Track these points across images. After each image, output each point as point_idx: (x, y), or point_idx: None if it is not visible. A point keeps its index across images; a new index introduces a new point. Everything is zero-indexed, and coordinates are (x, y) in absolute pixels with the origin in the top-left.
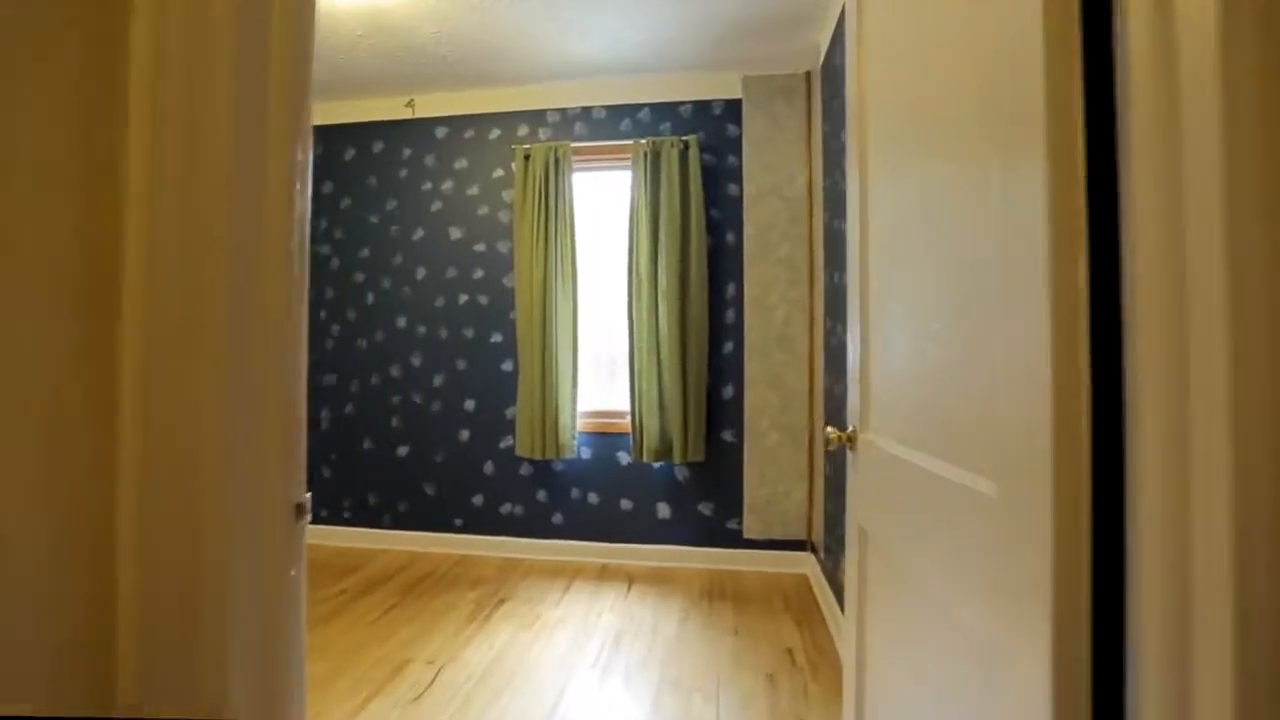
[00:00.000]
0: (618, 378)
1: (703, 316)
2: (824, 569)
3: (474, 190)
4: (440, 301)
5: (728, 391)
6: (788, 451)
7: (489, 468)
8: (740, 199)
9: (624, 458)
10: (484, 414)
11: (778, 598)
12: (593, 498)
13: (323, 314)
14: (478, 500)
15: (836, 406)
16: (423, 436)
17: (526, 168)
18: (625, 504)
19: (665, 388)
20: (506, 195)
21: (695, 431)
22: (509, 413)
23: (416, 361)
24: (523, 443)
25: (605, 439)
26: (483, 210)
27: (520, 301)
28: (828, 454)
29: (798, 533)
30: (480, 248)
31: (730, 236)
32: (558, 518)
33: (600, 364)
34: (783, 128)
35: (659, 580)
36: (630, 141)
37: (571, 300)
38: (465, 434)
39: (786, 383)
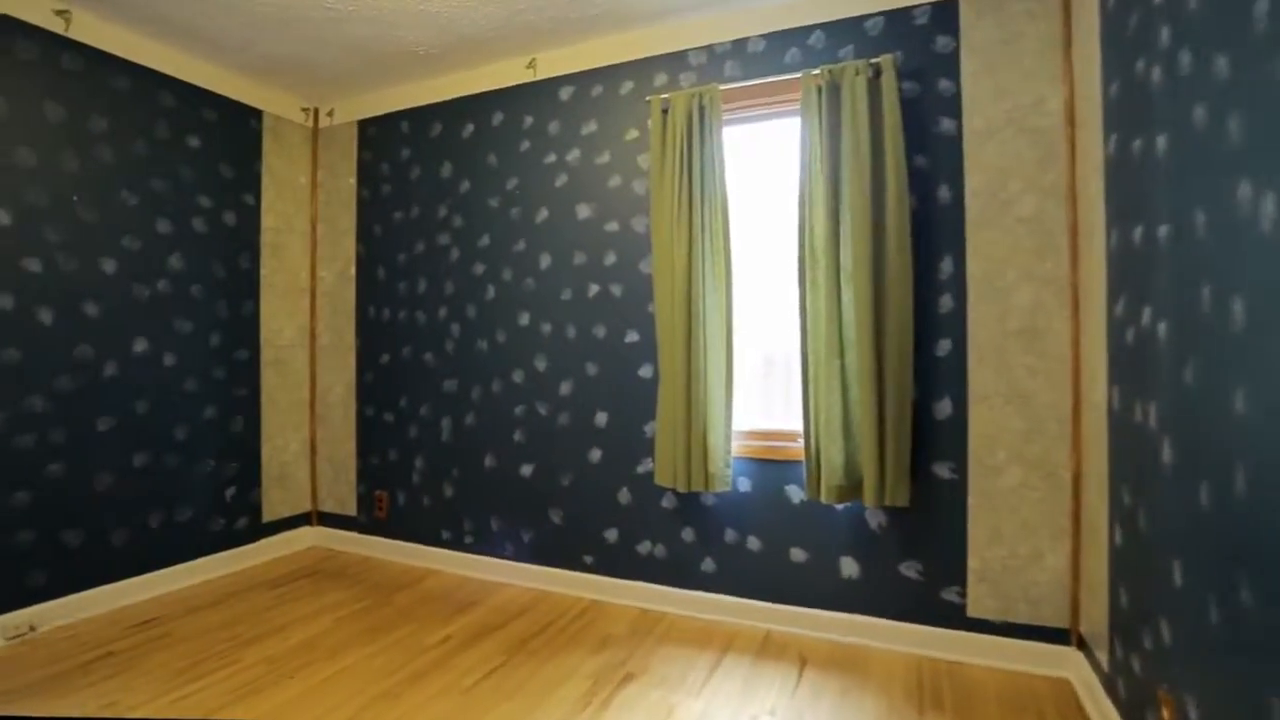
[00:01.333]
0: (786, 388)
1: (905, 305)
2: (1103, 678)
3: (604, 158)
4: (567, 294)
5: (942, 409)
6: (1038, 496)
7: (624, 496)
8: (958, 138)
9: (795, 494)
10: (618, 430)
11: (1029, 713)
12: (753, 543)
13: (442, 312)
14: (611, 535)
15: (1137, 433)
16: (548, 454)
17: (665, 124)
18: (797, 555)
19: (852, 403)
20: (642, 161)
21: (895, 463)
22: (647, 429)
23: (541, 366)
24: (663, 468)
25: (770, 468)
26: (614, 181)
27: (660, 292)
28: (1125, 504)
29: (1055, 616)
30: (612, 227)
31: (944, 192)
32: (708, 565)
33: (764, 370)
34: (1022, 31)
35: (844, 664)
36: (798, 75)
37: (724, 288)
38: (596, 454)
39: (1035, 397)
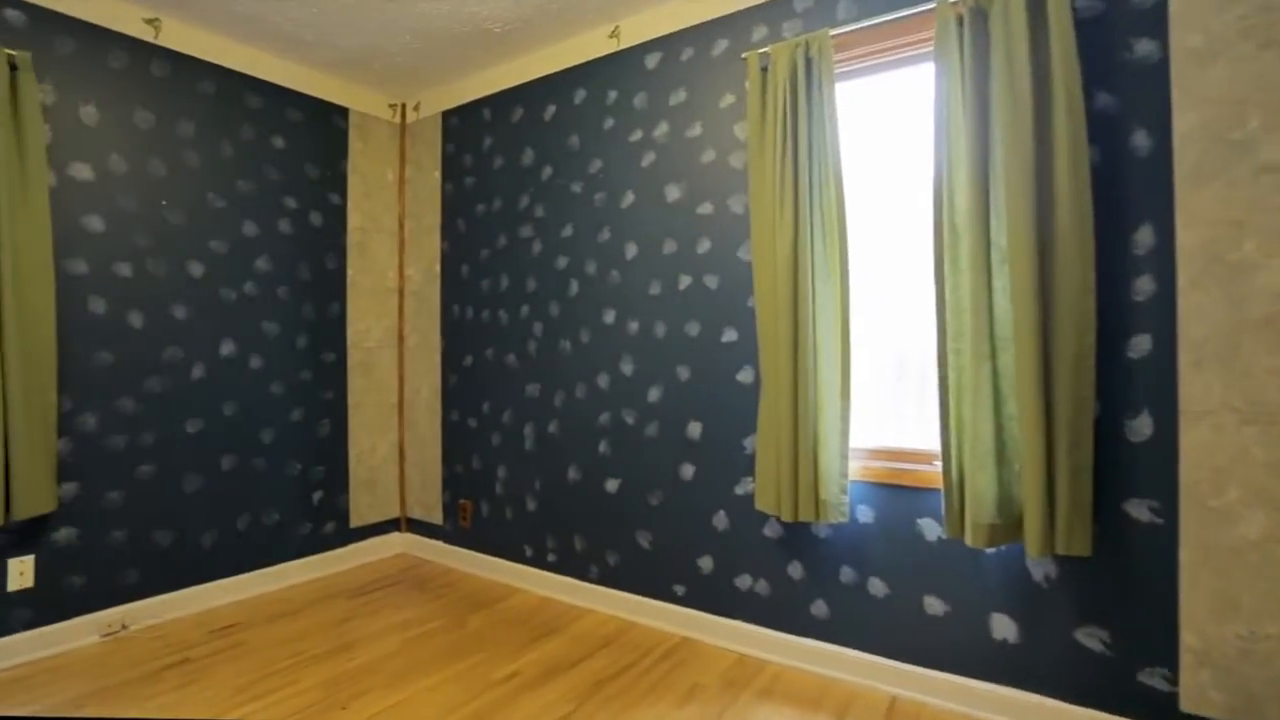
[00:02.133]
0: (920, 398)
1: (1083, 292)
2: None
3: (695, 130)
4: (656, 288)
5: (1139, 428)
6: None
7: (720, 521)
8: (1163, 64)
9: (931, 529)
10: (713, 444)
11: None
12: (877, 587)
13: (524, 310)
14: (705, 564)
15: None
16: (636, 469)
17: (765, 84)
18: (933, 606)
19: (1008, 418)
20: (739, 130)
21: (1070, 499)
22: (747, 444)
23: (628, 369)
24: (765, 492)
25: (898, 496)
26: (707, 156)
27: (760, 283)
28: None
29: None
30: (706, 209)
31: (1141, 140)
32: (820, 608)
33: (891, 376)
34: None
35: None
36: (930, 6)
37: (838, 277)
38: (688, 470)
39: None
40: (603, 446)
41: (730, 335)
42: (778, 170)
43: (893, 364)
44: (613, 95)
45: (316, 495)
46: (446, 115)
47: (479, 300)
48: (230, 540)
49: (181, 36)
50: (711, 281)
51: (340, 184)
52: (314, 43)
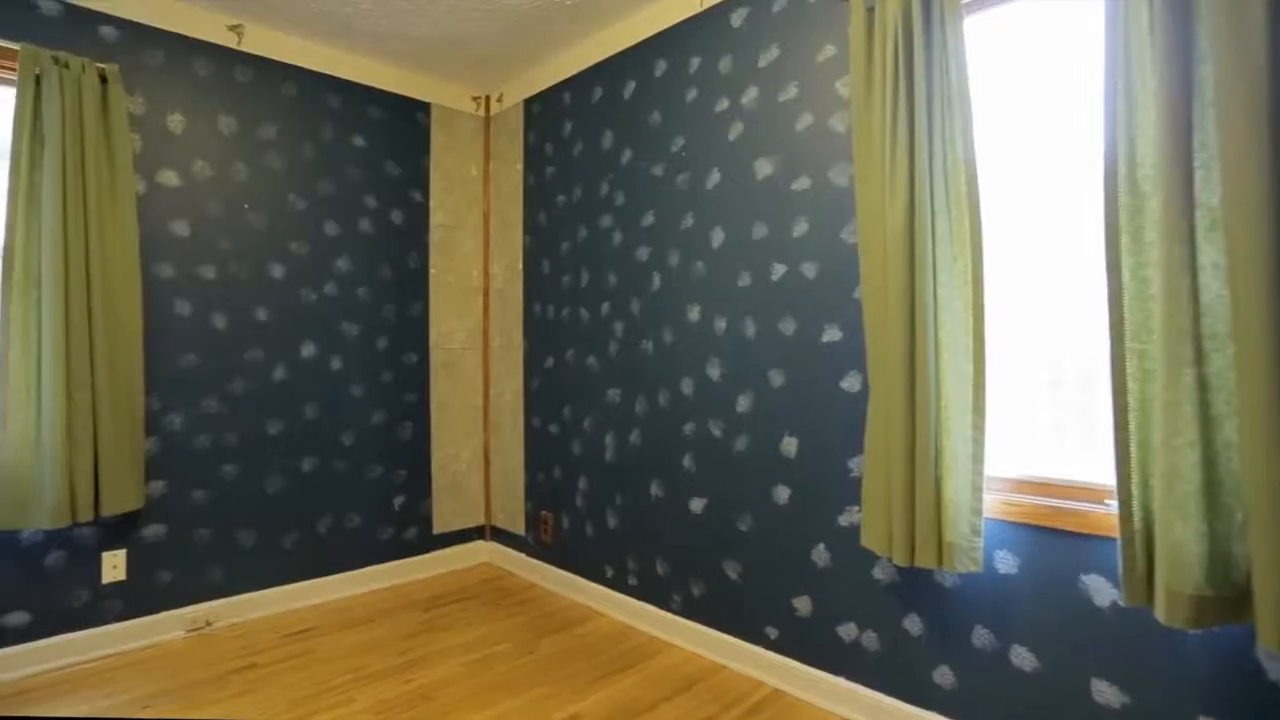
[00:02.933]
0: (1087, 416)
1: None
2: None
3: (789, 92)
4: (744, 278)
5: None
6: None
7: (820, 555)
8: None
9: (1101, 591)
10: (812, 463)
11: None
12: (1022, 658)
13: (605, 308)
14: (801, 605)
15: None
16: (723, 488)
17: (872, 26)
18: (1104, 693)
19: (1221, 447)
20: (841, 87)
21: None
22: (853, 465)
23: (714, 373)
24: (874, 526)
25: (1053, 542)
26: (804, 122)
27: (869, 269)
28: None
29: None
30: (802, 184)
31: None
32: (944, 675)
33: (1045, 386)
34: None
35: None
36: None
37: (968, 259)
38: (783, 494)
39: None
40: (687, 461)
41: (832, 334)
42: (888, 128)
43: (1046, 370)
44: (695, 63)
45: (398, 500)
46: (528, 103)
47: (559, 298)
48: (311, 542)
49: (263, 41)
50: (809, 270)
51: (422, 181)
52: (388, 35)
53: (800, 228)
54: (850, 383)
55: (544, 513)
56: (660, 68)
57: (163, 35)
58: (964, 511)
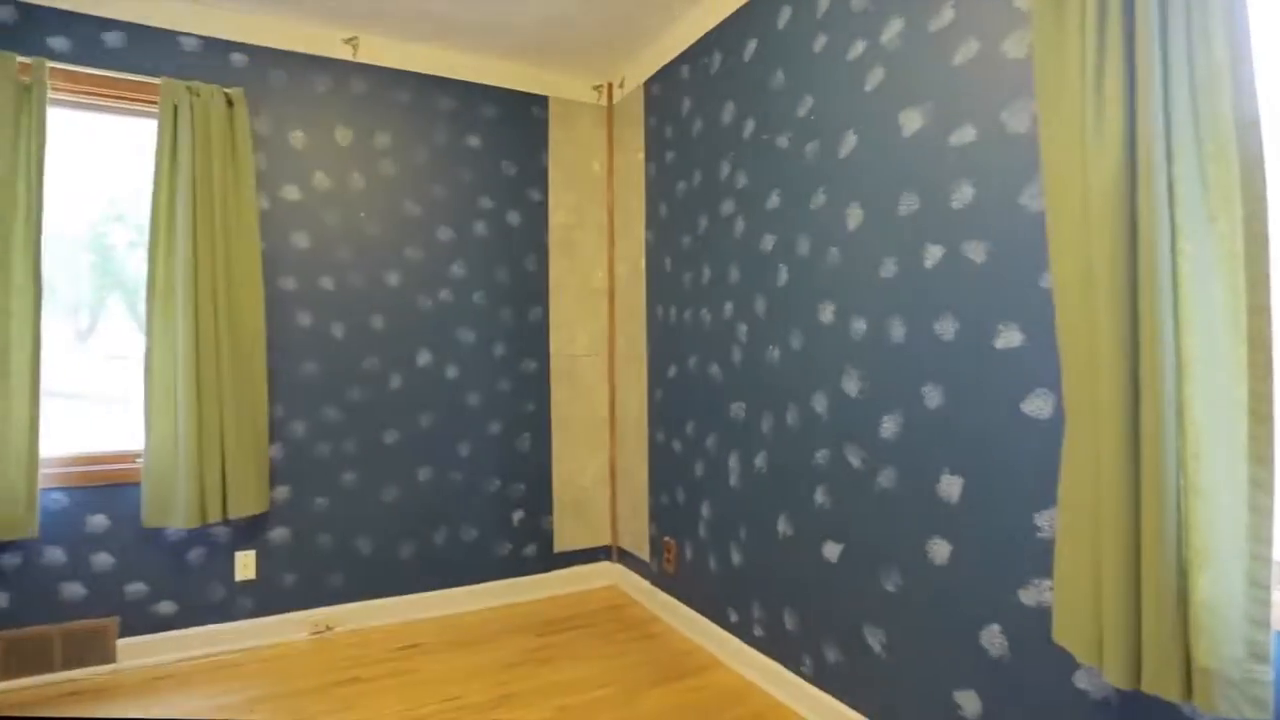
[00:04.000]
0: None
1: None
2: None
3: (943, 17)
4: (889, 267)
5: None
6: None
7: (993, 640)
8: None
9: None
10: (982, 512)
11: None
12: None
13: (728, 308)
14: (966, 702)
15: None
16: (864, 533)
17: None
18: None
19: None
20: (1019, 2)
21: None
22: (1042, 522)
23: (851, 387)
24: (1072, 619)
25: None
26: (965, 52)
27: (1063, 247)
28: None
29: None
30: (964, 135)
31: None
32: None
33: None
34: None
35: None
36: None
37: (1234, 225)
38: (941, 549)
39: None
40: (819, 495)
41: (1009, 337)
42: (1091, 35)
43: None
44: (824, 5)
45: (517, 515)
46: (648, 85)
47: (681, 298)
48: (428, 554)
49: (378, 50)
50: (976, 251)
51: (540, 179)
52: (493, 27)
53: (962, 195)
54: (1037, 406)
55: (667, 539)
56: (784, 16)
57: (285, 56)
58: (1233, 619)
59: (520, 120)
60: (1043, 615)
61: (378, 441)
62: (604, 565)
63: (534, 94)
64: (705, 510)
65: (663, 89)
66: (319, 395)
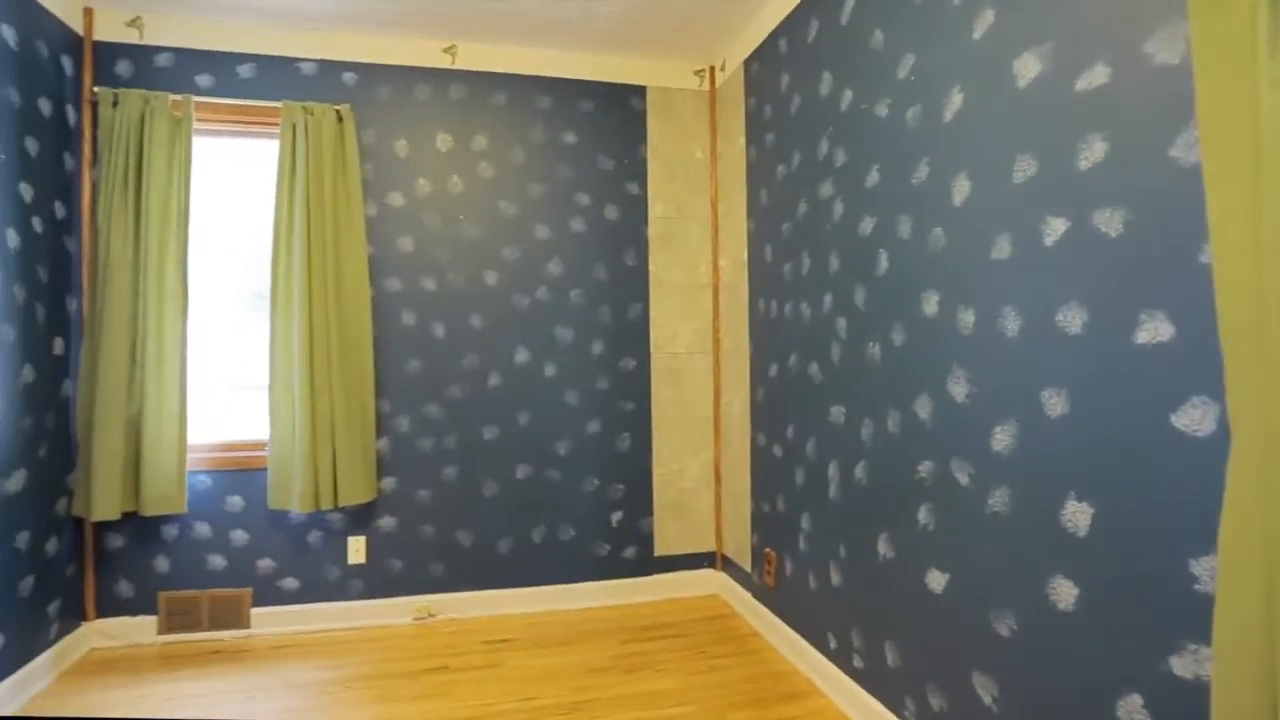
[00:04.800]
0: None
1: None
2: None
3: None
4: (1002, 247)
5: None
6: None
7: (1133, 714)
8: None
9: None
10: (1119, 549)
11: None
12: None
13: (827, 301)
14: None
15: None
16: (974, 563)
17: None
18: None
19: None
20: None
21: None
22: (1199, 569)
23: (959, 390)
24: (1232, 696)
25: None
26: None
27: (1230, 211)
28: None
29: None
30: (1093, 78)
31: None
32: None
33: None
34: None
35: None
36: None
37: None
38: (1066, 591)
39: None
40: (923, 514)
41: (1155, 329)
42: None
43: None
44: None
45: (615, 515)
46: (747, 64)
47: (781, 290)
48: (526, 551)
49: (475, 56)
50: (1109, 221)
51: (639, 171)
52: (588, 18)
53: (1092, 152)
54: (1193, 418)
55: (768, 550)
56: None
57: (390, 70)
58: None
59: (618, 113)
60: (1198, 691)
61: (477, 438)
62: (707, 573)
63: (631, 85)
64: (805, 522)
65: (761, 67)
66: (422, 392)
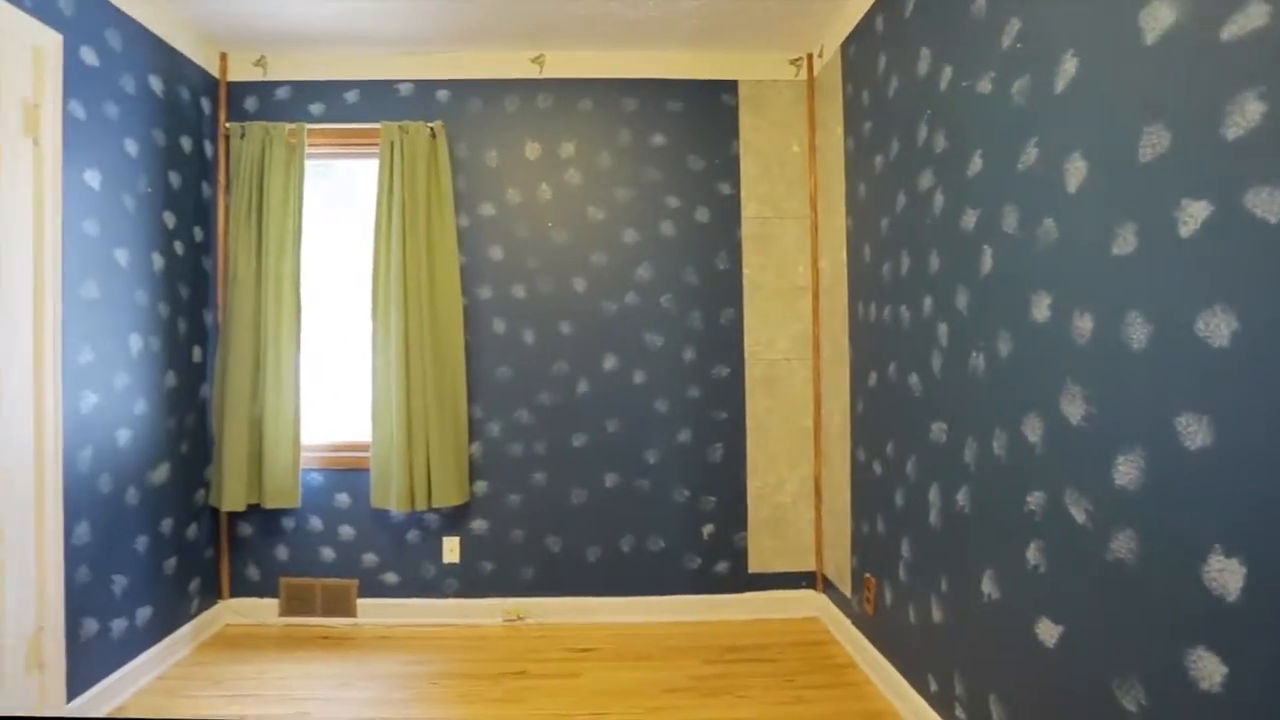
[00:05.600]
0: None
1: None
2: None
3: None
4: (1125, 239)
5: None
6: None
7: None
8: None
9: None
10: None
11: None
12: None
13: (927, 304)
14: None
15: None
16: (1092, 617)
17: None
18: None
19: None
20: None
21: None
22: None
23: (1074, 410)
24: None
25: None
26: None
27: None
28: None
29: None
30: (1249, 20)
31: None
32: None
33: None
34: None
35: None
36: None
37: None
38: (1213, 669)
39: None
40: (1031, 553)
41: None
42: None
43: None
44: None
45: (707, 528)
46: (845, 47)
47: (880, 293)
48: (615, 559)
49: (561, 63)
50: (1268, 204)
51: (731, 170)
52: (674, 15)
53: (1244, 116)
54: None
55: (867, 575)
56: None
57: (480, 85)
58: None
59: (708, 110)
60: None
61: (566, 444)
62: (807, 594)
63: (722, 80)
64: (905, 549)
65: (859, 49)
66: (512, 398)
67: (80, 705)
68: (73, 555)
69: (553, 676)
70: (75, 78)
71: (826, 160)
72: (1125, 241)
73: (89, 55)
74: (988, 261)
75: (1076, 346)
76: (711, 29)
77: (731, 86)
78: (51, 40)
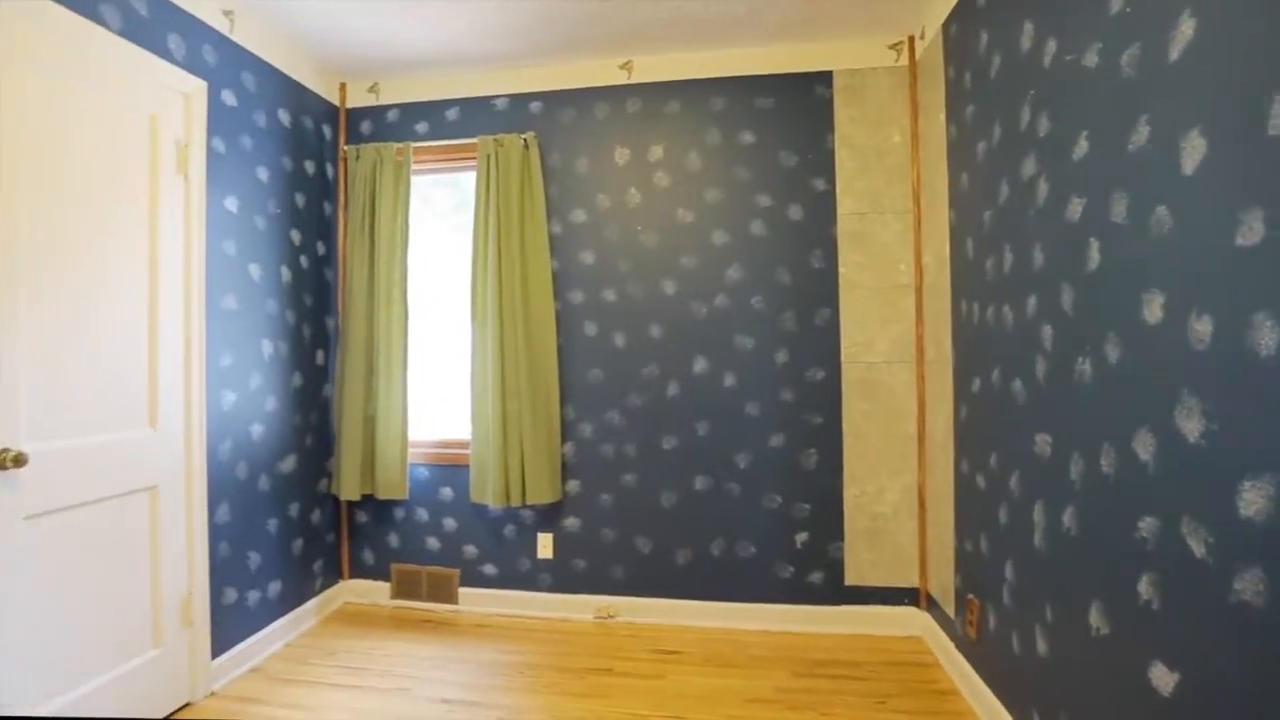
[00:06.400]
0: None
1: None
2: None
3: None
4: (1251, 229)
5: None
6: None
7: None
8: None
9: None
10: None
11: None
12: None
13: (1030, 304)
14: None
15: None
16: (1217, 671)
17: None
18: None
19: None
20: None
21: None
22: None
23: (1191, 426)
24: None
25: None
26: None
27: None
28: None
29: None
30: None
31: None
32: None
33: None
34: None
35: None
36: None
37: None
38: None
39: None
40: (1144, 586)
41: None
42: None
43: None
44: None
45: (800, 536)
46: (946, 26)
47: (982, 291)
48: (705, 564)
49: (649, 68)
50: None
51: (825, 165)
52: (760, 7)
53: None
54: None
55: (970, 597)
56: None
57: (571, 94)
58: None
59: (800, 105)
60: None
61: (656, 446)
62: (909, 611)
63: (815, 72)
64: (1009, 571)
65: (960, 28)
66: (604, 400)
67: (222, 663)
68: (215, 532)
69: (637, 676)
70: (217, 116)
71: (929, 150)
72: (1251, 231)
73: (228, 97)
74: (1094, 256)
75: (1194, 352)
76: (801, 20)
77: (825, 78)
78: (197, 87)
